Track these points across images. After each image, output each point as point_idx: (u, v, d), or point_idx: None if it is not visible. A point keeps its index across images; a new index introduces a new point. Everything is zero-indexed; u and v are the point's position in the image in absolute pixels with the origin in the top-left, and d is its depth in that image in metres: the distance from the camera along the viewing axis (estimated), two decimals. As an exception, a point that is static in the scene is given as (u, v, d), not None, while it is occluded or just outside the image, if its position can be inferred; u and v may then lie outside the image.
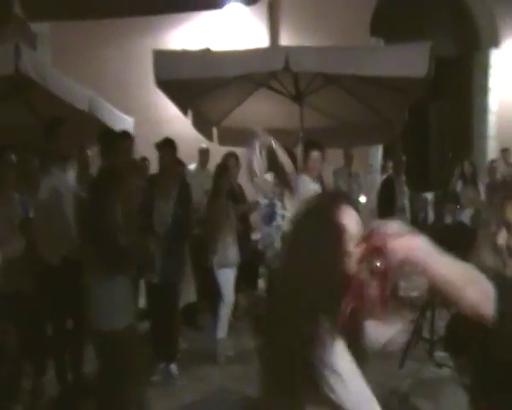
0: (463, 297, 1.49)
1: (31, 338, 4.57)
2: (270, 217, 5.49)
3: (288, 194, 5.31)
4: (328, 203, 1.69)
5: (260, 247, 5.60)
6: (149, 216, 5.24)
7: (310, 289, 1.56)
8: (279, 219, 5.40)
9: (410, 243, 1.51)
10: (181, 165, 6.69)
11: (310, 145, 5.50)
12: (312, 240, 1.62)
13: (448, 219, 8.90)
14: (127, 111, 7.78)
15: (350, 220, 1.63)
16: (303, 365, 1.52)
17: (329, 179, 8.70)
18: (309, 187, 5.19)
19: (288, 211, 5.20)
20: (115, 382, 3.87)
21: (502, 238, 1.91)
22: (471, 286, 1.50)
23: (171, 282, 5.32)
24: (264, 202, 5.37)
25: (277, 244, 5.16)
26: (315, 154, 5.35)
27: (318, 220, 1.66)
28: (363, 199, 8.90)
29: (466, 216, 8.94)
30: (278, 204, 5.36)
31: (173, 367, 5.40)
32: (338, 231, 1.60)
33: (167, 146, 5.38)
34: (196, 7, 5.70)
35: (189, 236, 5.64)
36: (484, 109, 12.00)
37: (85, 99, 6.08)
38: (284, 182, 5.29)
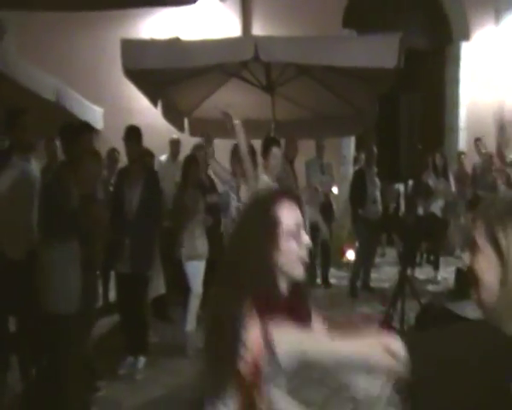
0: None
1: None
2: (225, 208, 5.46)
3: (243, 187, 5.28)
4: (268, 197, 1.84)
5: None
6: (120, 207, 5.18)
7: (239, 273, 1.71)
8: (233, 212, 5.39)
9: None
10: (149, 155, 6.61)
11: (269, 142, 5.39)
12: (247, 229, 1.78)
13: (420, 211, 9.00)
14: (97, 101, 7.69)
15: (287, 216, 1.75)
16: (230, 339, 1.67)
17: (301, 170, 8.70)
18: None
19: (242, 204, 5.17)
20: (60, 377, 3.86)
21: (466, 259, 1.87)
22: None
23: (140, 272, 5.24)
24: (222, 190, 5.35)
25: None
26: (275, 151, 5.24)
27: (255, 212, 1.81)
28: (335, 190, 8.93)
29: (437, 207, 9.04)
30: (233, 196, 5.35)
31: (141, 360, 5.33)
32: (271, 224, 1.73)
33: (131, 136, 5.29)
34: (169, 2, 5.61)
35: (157, 224, 5.55)
36: (455, 101, 12.12)
37: (52, 89, 5.99)
38: (241, 171, 5.26)
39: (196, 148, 6.75)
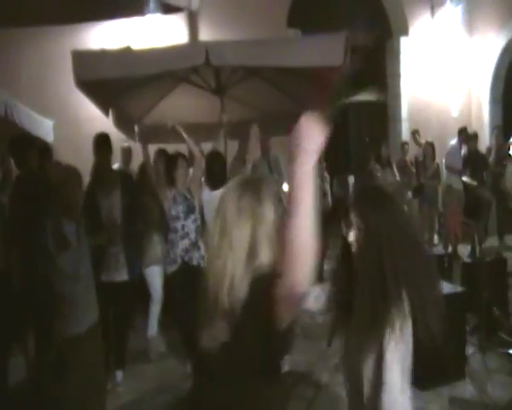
0: None
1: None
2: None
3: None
4: None
5: None
6: (97, 219, 5.01)
7: None
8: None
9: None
10: None
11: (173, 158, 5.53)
12: None
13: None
14: (46, 113, 7.60)
15: None
16: None
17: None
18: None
19: None
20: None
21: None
22: None
23: (133, 278, 5.25)
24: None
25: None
26: (181, 161, 5.42)
27: None
28: (285, 187, 9.08)
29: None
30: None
31: (119, 374, 5.28)
32: None
33: (103, 144, 5.28)
34: (117, 15, 5.62)
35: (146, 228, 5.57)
36: (397, 94, 12.50)
37: (1, 103, 5.91)
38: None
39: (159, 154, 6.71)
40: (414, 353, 2.11)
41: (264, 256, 1.86)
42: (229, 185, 2.04)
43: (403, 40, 12.39)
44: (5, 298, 4.48)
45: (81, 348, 3.71)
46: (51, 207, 3.81)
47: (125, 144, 8.36)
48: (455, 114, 12.59)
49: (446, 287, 4.96)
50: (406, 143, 11.39)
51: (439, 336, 2.00)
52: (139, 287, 6.09)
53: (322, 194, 8.49)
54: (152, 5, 5.13)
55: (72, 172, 3.94)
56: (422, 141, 10.84)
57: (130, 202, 5.17)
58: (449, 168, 9.93)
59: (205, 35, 10.02)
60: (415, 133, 11.36)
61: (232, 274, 1.84)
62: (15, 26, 6.24)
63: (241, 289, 1.82)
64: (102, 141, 5.28)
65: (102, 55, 5.36)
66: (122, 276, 5.13)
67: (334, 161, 6.55)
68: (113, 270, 5.08)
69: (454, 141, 10.21)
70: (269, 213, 1.91)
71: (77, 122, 8.92)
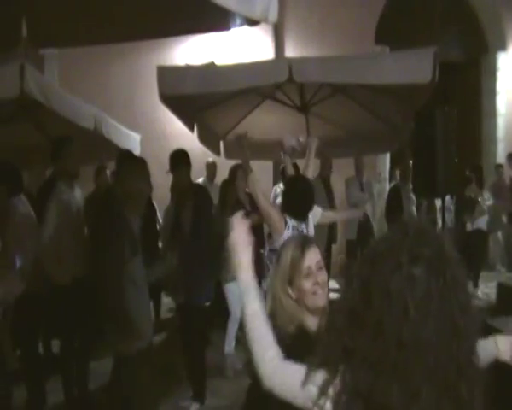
0: None
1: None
2: None
3: None
4: None
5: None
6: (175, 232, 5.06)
7: None
8: None
9: None
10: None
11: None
12: None
13: (469, 226, 8.86)
14: (134, 127, 7.82)
15: None
16: None
17: (341, 189, 8.71)
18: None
19: None
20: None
21: None
22: None
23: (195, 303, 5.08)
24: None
25: None
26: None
27: None
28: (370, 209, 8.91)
29: (483, 222, 8.86)
30: None
31: (195, 406, 5.12)
32: None
33: (181, 161, 5.17)
34: (203, 30, 5.69)
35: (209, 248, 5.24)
36: (492, 113, 11.94)
37: (91, 117, 6.12)
38: None
39: (233, 169, 6.73)
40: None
41: None
42: None
43: (500, 56, 11.84)
44: (86, 304, 4.60)
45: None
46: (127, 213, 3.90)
47: (210, 159, 8.47)
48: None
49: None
50: (501, 165, 10.86)
51: None
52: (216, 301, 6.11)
53: (409, 216, 8.18)
54: (236, 20, 5.14)
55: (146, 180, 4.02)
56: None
57: (196, 219, 5.02)
58: None
59: (291, 52, 10.02)
60: (511, 156, 10.80)
61: None
62: (105, 42, 6.45)
63: None
64: (181, 159, 5.19)
65: (187, 70, 5.43)
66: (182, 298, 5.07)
67: (422, 183, 6.26)
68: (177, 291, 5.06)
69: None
70: None
71: (163, 137, 9.14)
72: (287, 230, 4.29)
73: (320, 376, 1.44)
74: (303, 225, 4.38)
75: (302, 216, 4.40)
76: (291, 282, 2.29)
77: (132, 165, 4.12)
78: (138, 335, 3.81)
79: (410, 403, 1.27)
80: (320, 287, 2.28)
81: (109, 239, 3.74)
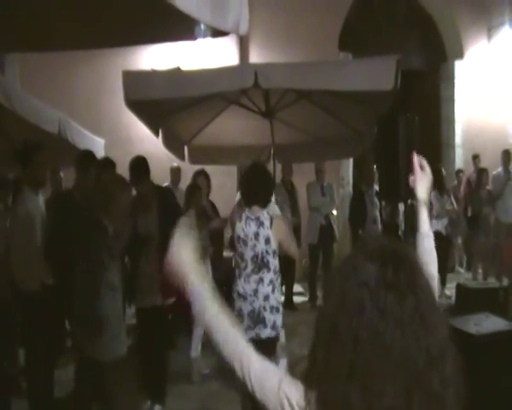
0: None
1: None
2: None
3: None
4: None
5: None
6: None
7: None
8: None
9: None
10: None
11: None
12: None
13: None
14: (98, 132, 7.75)
15: None
16: None
17: (303, 193, 8.81)
18: None
19: None
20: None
21: None
22: None
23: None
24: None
25: None
26: None
27: None
28: (334, 211, 9.05)
29: (442, 225, 9.04)
30: None
31: (157, 408, 5.02)
32: None
33: (139, 167, 4.96)
34: (168, 39, 5.67)
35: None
36: (451, 119, 12.23)
37: (55, 121, 6.04)
38: None
39: (196, 175, 6.73)
40: None
41: None
42: None
43: (457, 64, 12.15)
44: (54, 311, 4.54)
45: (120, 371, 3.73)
46: (106, 218, 3.88)
47: (175, 164, 8.46)
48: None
49: (501, 323, 4.74)
50: (461, 170, 11.11)
51: None
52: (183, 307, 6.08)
53: (373, 221, 8.32)
54: (202, 30, 5.15)
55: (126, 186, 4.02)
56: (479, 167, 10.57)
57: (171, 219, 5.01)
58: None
59: (255, 58, 10.07)
60: (475, 158, 11.06)
61: None
62: (69, 49, 6.38)
63: None
64: (139, 164, 5.00)
65: (152, 75, 5.43)
66: (154, 301, 4.92)
67: (385, 187, 6.37)
68: (146, 293, 4.93)
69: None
70: None
71: (128, 142, 9.06)
72: (239, 221, 4.35)
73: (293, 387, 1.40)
74: (263, 213, 4.34)
75: (264, 202, 4.37)
76: None
77: (114, 171, 4.10)
78: (117, 342, 3.78)
79: (372, 403, 1.22)
80: None
81: (86, 245, 3.73)
